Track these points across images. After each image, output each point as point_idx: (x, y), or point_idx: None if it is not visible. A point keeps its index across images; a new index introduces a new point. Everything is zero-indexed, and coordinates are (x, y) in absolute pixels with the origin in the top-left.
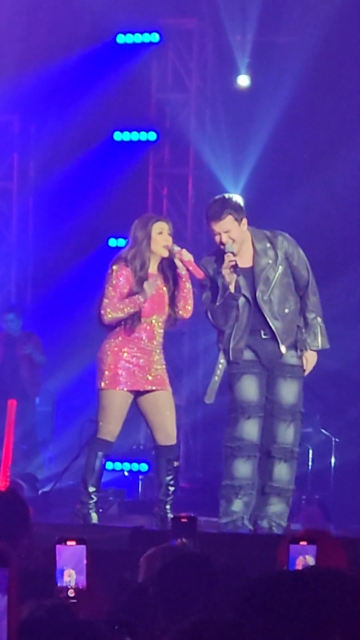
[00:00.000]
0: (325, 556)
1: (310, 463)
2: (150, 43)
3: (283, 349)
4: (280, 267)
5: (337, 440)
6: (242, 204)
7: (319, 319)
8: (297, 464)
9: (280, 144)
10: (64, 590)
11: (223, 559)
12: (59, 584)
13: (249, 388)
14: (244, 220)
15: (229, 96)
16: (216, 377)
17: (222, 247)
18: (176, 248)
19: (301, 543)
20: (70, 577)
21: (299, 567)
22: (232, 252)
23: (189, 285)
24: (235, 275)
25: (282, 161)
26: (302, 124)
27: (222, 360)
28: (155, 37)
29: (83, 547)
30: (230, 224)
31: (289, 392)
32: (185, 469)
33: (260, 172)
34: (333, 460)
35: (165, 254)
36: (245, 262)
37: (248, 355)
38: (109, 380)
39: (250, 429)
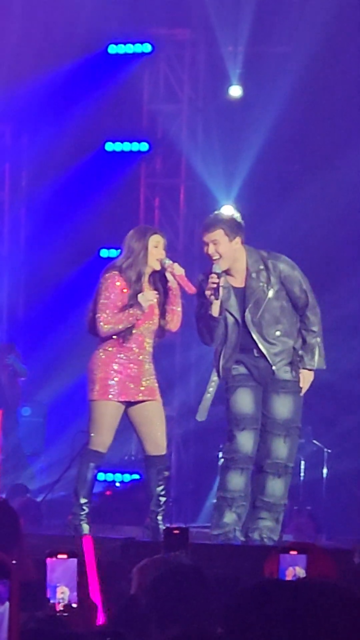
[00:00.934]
0: (314, 568)
1: (302, 474)
2: (142, 53)
3: (275, 370)
4: (271, 290)
5: (329, 451)
6: (239, 222)
7: (318, 339)
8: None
9: (272, 154)
10: (56, 606)
11: (215, 570)
12: (51, 600)
13: (243, 401)
14: (237, 239)
15: (220, 107)
16: (208, 395)
17: (209, 258)
18: (168, 262)
19: (291, 552)
20: (64, 594)
21: (289, 577)
22: (217, 273)
23: (178, 299)
24: (215, 298)
25: (274, 172)
26: (294, 134)
27: (214, 377)
28: (147, 48)
29: (74, 560)
30: (219, 237)
31: (282, 407)
32: (177, 480)
33: (252, 183)
34: (325, 471)
35: (158, 267)
36: (238, 282)
37: (242, 369)
38: (100, 391)
39: (244, 441)
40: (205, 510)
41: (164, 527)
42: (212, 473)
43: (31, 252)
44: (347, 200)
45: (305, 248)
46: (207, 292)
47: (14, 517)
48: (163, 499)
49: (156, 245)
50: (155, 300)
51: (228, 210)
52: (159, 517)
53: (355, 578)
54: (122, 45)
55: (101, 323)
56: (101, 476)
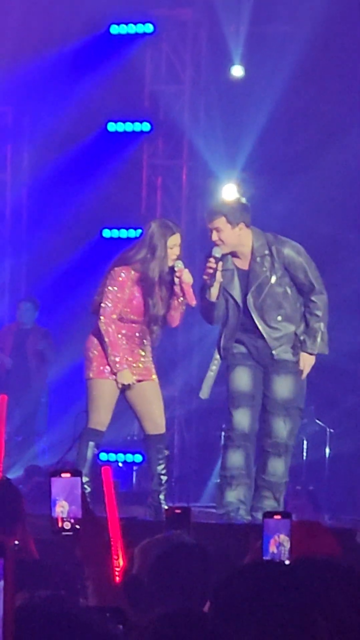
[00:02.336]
0: (316, 547)
1: (304, 454)
2: (144, 34)
3: (275, 354)
4: (274, 276)
5: (331, 431)
6: (243, 206)
7: (322, 325)
8: (291, 456)
9: (274, 134)
10: (59, 522)
11: (216, 548)
12: (58, 516)
13: (240, 379)
14: (241, 225)
15: (223, 87)
16: (211, 372)
17: (214, 244)
18: (179, 266)
19: (275, 517)
20: (63, 508)
21: (272, 546)
22: (215, 257)
23: (182, 301)
24: (210, 283)
25: (277, 152)
26: (296, 114)
27: (216, 356)
28: (149, 28)
29: (78, 478)
30: (222, 224)
31: (282, 387)
32: (180, 460)
33: (255, 163)
34: (327, 450)
35: (170, 265)
36: (243, 264)
37: (242, 348)
38: (96, 370)
39: (240, 418)
40: (208, 490)
41: (166, 507)
42: (215, 453)
43: (33, 232)
44: (350, 180)
45: (307, 228)
46: (204, 276)
47: (16, 497)
48: (164, 478)
49: (172, 247)
50: (134, 380)
51: (231, 190)
52: (161, 497)
53: (357, 557)
54: (124, 26)
55: (103, 319)
56: (104, 456)
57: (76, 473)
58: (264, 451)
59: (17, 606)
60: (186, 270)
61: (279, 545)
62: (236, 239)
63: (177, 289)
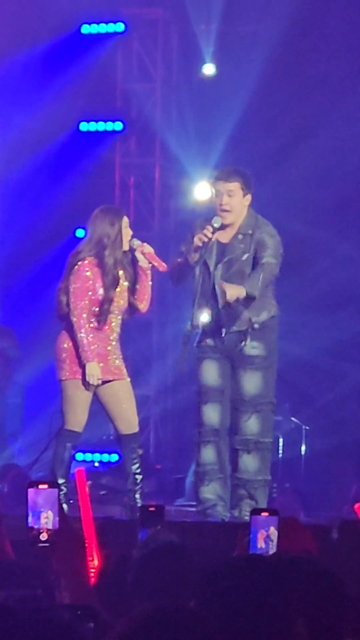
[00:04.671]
0: (294, 543)
1: (280, 451)
2: (115, 33)
3: (223, 332)
4: (246, 254)
5: (307, 428)
6: (251, 179)
7: (261, 277)
8: (270, 453)
9: (246, 132)
10: (36, 532)
11: (193, 547)
12: (35, 527)
13: (208, 373)
14: (248, 197)
15: (194, 85)
16: (183, 346)
17: (219, 208)
18: (136, 242)
19: (263, 514)
20: (48, 519)
21: (260, 540)
22: (214, 227)
23: (148, 279)
24: (201, 249)
25: (249, 150)
26: (267, 112)
27: (188, 327)
28: (120, 27)
29: (55, 490)
30: (236, 188)
31: (249, 383)
32: (155, 458)
33: (227, 161)
34: (303, 448)
35: (126, 248)
36: (226, 237)
37: (209, 341)
38: (68, 370)
39: (209, 414)
40: (185, 489)
41: (140, 505)
42: (190, 451)
43: (5, 233)
44: (322, 178)
45: (280, 225)
46: (197, 242)
47: None
48: (139, 477)
49: (126, 226)
50: (99, 371)
51: (203, 188)
52: (137, 496)
53: (333, 554)
54: (95, 25)
55: (75, 313)
56: (80, 456)
57: (53, 484)
58: (233, 449)
59: None
60: (145, 243)
61: (267, 539)
62: (242, 209)
63: (142, 266)
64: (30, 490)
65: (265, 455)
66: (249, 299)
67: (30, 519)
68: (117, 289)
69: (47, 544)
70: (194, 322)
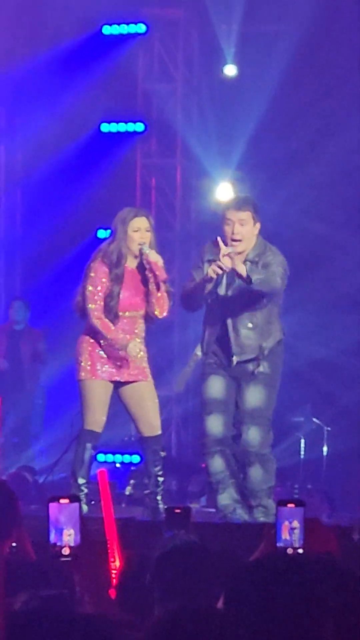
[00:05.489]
0: (317, 544)
1: (302, 452)
2: (137, 34)
3: (234, 360)
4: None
5: (328, 429)
6: (259, 207)
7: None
8: (274, 462)
9: (267, 133)
10: (59, 549)
11: (217, 547)
12: (57, 543)
13: (213, 387)
14: (258, 225)
15: (215, 86)
16: (188, 368)
17: (230, 236)
18: (145, 250)
19: (288, 505)
20: (71, 537)
21: (285, 532)
22: (229, 254)
23: (163, 287)
24: (214, 276)
25: (270, 150)
26: (289, 112)
27: (198, 352)
28: (141, 28)
29: (76, 504)
30: (248, 218)
31: (252, 395)
32: (178, 459)
33: (248, 162)
34: (325, 449)
35: (134, 248)
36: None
37: (215, 359)
38: (87, 370)
39: (212, 425)
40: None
41: (165, 507)
42: None
43: (28, 233)
44: (344, 178)
45: (302, 226)
46: (211, 271)
47: (12, 499)
48: (161, 479)
49: (136, 229)
50: (138, 348)
51: (226, 189)
52: (158, 497)
53: (354, 555)
54: (116, 26)
55: (91, 314)
56: (101, 457)
57: (74, 499)
58: (240, 461)
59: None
60: (152, 250)
61: (291, 531)
62: (252, 238)
63: (148, 273)
64: (52, 506)
65: (268, 464)
66: (258, 336)
67: (52, 535)
68: (132, 291)
69: (69, 559)
70: (204, 348)
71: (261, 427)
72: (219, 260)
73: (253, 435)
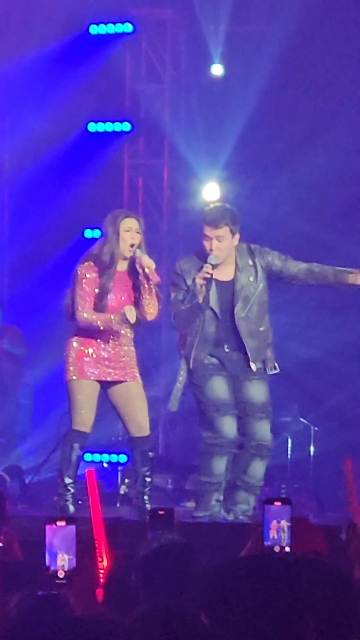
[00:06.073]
0: (305, 543)
1: (289, 452)
2: (124, 33)
3: (253, 366)
4: (260, 284)
5: (316, 429)
6: (237, 216)
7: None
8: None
9: (255, 133)
10: (54, 572)
11: (202, 547)
12: (51, 567)
13: (220, 388)
14: (237, 235)
15: (203, 86)
16: (179, 385)
17: (209, 252)
18: (138, 253)
19: (275, 503)
20: (65, 562)
21: (273, 530)
22: (212, 264)
23: (153, 290)
24: (207, 289)
25: (258, 151)
26: (277, 113)
27: (183, 367)
28: (128, 28)
29: (72, 527)
30: (225, 233)
31: (257, 390)
32: (171, 459)
33: (236, 162)
34: (312, 449)
35: (129, 255)
36: (225, 275)
37: (214, 360)
38: (75, 371)
39: (227, 426)
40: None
41: (150, 508)
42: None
43: (15, 234)
44: (331, 179)
45: (289, 226)
46: (199, 282)
47: None
48: (149, 479)
49: (127, 229)
50: (134, 311)
51: (213, 189)
52: (146, 497)
53: (342, 555)
54: (103, 26)
55: (80, 314)
56: (88, 457)
57: (70, 521)
58: (248, 453)
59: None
60: (145, 255)
61: (279, 530)
62: (231, 248)
63: (141, 278)
64: (48, 528)
65: (268, 461)
66: (267, 336)
67: (47, 558)
68: (121, 294)
69: (64, 582)
70: (192, 366)
71: (269, 421)
72: (206, 267)
73: (266, 429)
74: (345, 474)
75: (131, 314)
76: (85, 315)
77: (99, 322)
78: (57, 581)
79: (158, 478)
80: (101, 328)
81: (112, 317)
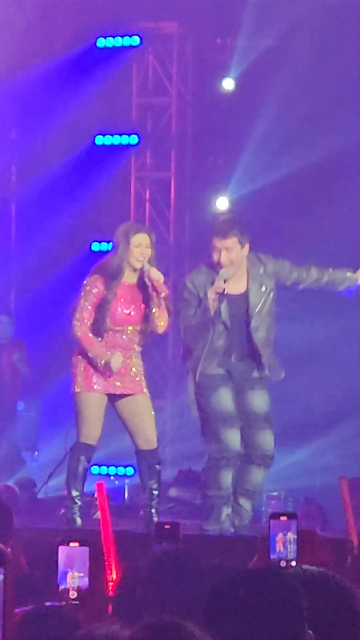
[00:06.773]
0: (312, 556)
1: None
2: (131, 46)
3: (267, 373)
4: (271, 294)
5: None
6: (247, 226)
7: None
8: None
9: (262, 146)
10: (66, 592)
11: (208, 560)
12: (61, 586)
13: (227, 400)
14: (247, 246)
15: (209, 99)
16: (192, 396)
17: (217, 264)
18: (147, 266)
19: (281, 518)
20: (74, 580)
21: (279, 543)
22: (224, 279)
23: (163, 303)
24: (220, 302)
25: (265, 164)
26: (285, 127)
27: (191, 379)
28: (135, 41)
29: (86, 548)
30: (234, 244)
31: (260, 400)
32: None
33: (243, 175)
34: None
35: (139, 266)
36: (238, 288)
37: (220, 371)
38: (83, 383)
39: (234, 439)
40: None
41: (156, 521)
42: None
43: (22, 247)
44: (342, 195)
45: (297, 235)
46: (211, 296)
47: (6, 513)
48: (156, 492)
49: (138, 245)
50: (121, 359)
51: (222, 203)
52: (153, 510)
53: (350, 568)
54: (110, 39)
55: (75, 325)
56: (95, 469)
57: (84, 543)
58: (250, 463)
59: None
60: (153, 268)
61: (286, 543)
62: (241, 260)
63: (151, 290)
64: (61, 549)
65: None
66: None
67: (60, 578)
68: (130, 306)
69: (76, 602)
70: (197, 379)
71: (271, 430)
72: (217, 282)
73: (269, 439)
74: (341, 491)
75: (116, 365)
76: (77, 330)
77: (86, 347)
78: (70, 602)
79: (185, 492)
80: (87, 352)
81: (100, 356)
